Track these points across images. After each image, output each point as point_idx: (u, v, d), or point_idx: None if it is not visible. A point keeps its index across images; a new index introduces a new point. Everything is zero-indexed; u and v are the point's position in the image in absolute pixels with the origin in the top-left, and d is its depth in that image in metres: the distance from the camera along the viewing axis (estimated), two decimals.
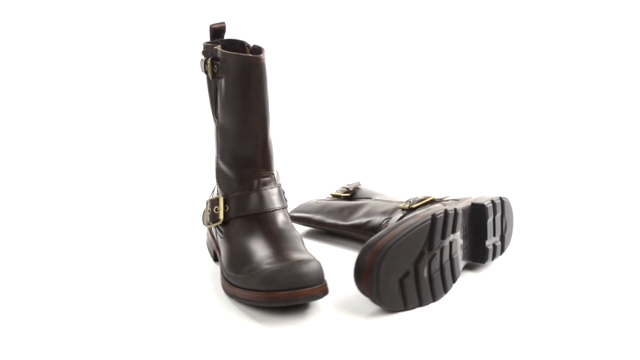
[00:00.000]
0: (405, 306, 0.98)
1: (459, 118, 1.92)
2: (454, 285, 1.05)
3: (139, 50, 1.80)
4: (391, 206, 1.17)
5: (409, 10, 1.96)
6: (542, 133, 1.86)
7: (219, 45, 1.07)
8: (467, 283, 1.07)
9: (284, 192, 1.10)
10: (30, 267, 1.17)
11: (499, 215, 1.11)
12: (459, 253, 1.05)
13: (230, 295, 1.02)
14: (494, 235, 1.11)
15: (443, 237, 1.01)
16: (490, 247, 1.10)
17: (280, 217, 1.06)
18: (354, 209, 1.22)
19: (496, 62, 1.98)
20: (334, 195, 1.29)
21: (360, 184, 1.31)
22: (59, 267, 1.17)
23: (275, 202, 1.07)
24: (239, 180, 1.07)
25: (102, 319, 0.98)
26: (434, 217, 0.99)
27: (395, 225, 0.98)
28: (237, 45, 1.09)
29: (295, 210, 1.28)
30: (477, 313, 0.98)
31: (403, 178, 1.62)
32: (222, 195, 1.08)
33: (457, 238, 1.04)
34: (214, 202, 1.08)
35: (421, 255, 0.99)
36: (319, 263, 0.99)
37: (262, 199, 1.06)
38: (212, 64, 1.06)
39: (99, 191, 1.57)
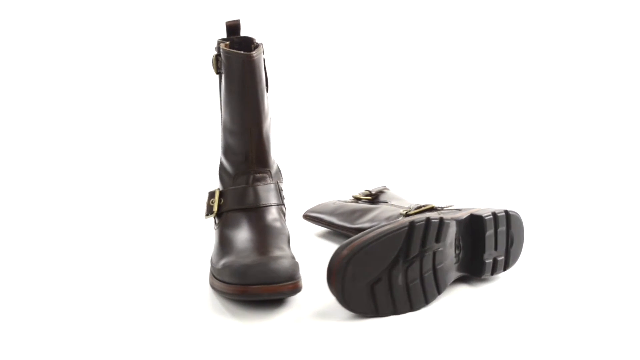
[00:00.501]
0: (377, 312, 0.96)
1: (499, 129, 1.88)
2: (441, 296, 1.02)
3: (152, 46, 1.83)
4: (397, 212, 1.15)
5: (431, 12, 1.92)
6: (579, 149, 1.78)
7: (225, 42, 1.09)
8: (456, 295, 1.03)
9: (281, 190, 1.11)
10: (31, 262, 1.21)
11: (502, 229, 1.06)
12: (445, 264, 1.01)
13: (211, 286, 1.04)
14: (496, 249, 1.06)
15: (423, 245, 0.98)
16: (489, 262, 1.05)
17: (270, 213, 1.07)
18: (364, 213, 1.21)
19: (524, 69, 1.92)
20: (355, 198, 1.28)
21: (386, 188, 1.29)
22: (59, 262, 1.21)
23: (267, 198, 1.08)
24: (234, 174, 1.09)
25: (82, 306, 1.04)
26: (412, 224, 0.97)
27: (369, 230, 0.96)
28: (248, 43, 1.11)
29: (311, 210, 1.29)
30: (454, 326, 0.94)
31: (437, 185, 1.59)
32: (220, 189, 1.10)
33: (445, 248, 1.01)
34: (211, 195, 1.11)
35: (395, 262, 0.96)
36: (292, 261, 0.99)
37: (253, 194, 1.08)
38: (217, 60, 1.09)
39: (109, 185, 1.62)
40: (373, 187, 1.31)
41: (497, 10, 1.92)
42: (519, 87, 1.92)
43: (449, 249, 1.02)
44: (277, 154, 1.41)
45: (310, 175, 1.62)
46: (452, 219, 1.02)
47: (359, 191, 1.31)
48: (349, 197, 1.30)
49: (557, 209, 1.45)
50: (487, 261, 1.05)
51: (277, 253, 1.00)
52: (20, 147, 1.75)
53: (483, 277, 1.05)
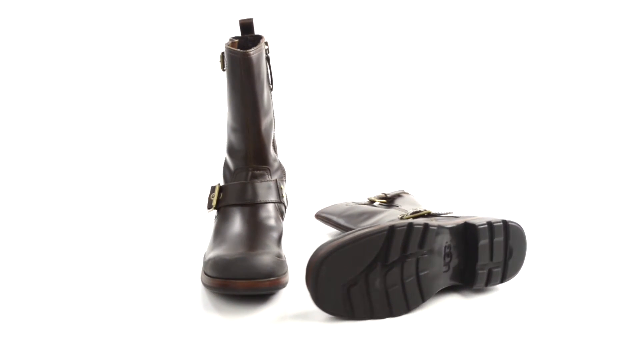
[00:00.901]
0: (353, 316, 0.95)
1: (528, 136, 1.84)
2: (426, 303, 0.99)
3: (166, 43, 1.82)
4: (399, 217, 1.13)
5: (446, 16, 1.89)
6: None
7: (234, 40, 1.11)
8: (443, 304, 1.01)
9: (281, 188, 1.12)
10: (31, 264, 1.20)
11: (499, 239, 1.03)
12: (431, 271, 0.99)
13: (200, 279, 1.06)
14: (491, 260, 1.03)
15: (404, 251, 0.96)
16: (483, 272, 1.02)
17: (265, 210, 1.08)
18: (370, 216, 1.19)
19: (546, 79, 1.88)
20: (370, 200, 1.27)
21: (404, 192, 1.28)
22: (57, 250, 1.24)
23: (264, 195, 1.09)
24: (234, 170, 1.11)
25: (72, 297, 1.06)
26: (392, 228, 0.95)
27: (350, 232, 0.95)
28: (256, 41, 1.12)
29: (322, 210, 1.29)
30: (434, 334, 0.92)
31: (462, 192, 1.56)
32: (220, 184, 1.12)
33: (431, 255, 0.98)
34: (212, 189, 1.13)
35: (373, 266, 0.95)
36: (274, 258, 1.00)
37: (250, 191, 1.09)
38: (222, 58, 1.11)
39: (122, 179, 1.65)
40: (391, 191, 1.30)
41: (514, 19, 1.90)
42: (540, 95, 1.89)
43: (436, 256, 1.00)
44: (301, 153, 1.42)
45: (334, 176, 1.63)
46: (440, 225, 0.99)
47: (375, 194, 1.30)
48: (365, 199, 1.30)
49: (578, 225, 1.39)
50: (479, 271, 1.02)
51: (261, 249, 1.01)
52: (42, 140, 1.77)
53: (475, 287, 1.02)
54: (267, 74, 1.11)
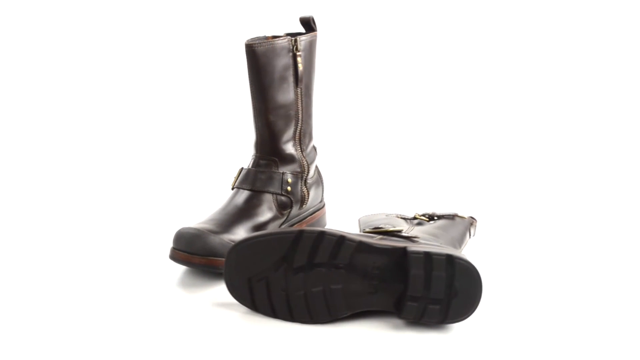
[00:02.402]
0: (256, 309, 0.97)
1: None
2: (346, 320, 0.96)
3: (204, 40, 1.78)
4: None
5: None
6: None
7: (285, 35, 1.17)
8: (357, 326, 0.96)
9: (287, 182, 1.14)
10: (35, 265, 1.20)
11: (439, 274, 0.93)
12: (348, 288, 0.95)
13: None
14: (428, 293, 0.93)
15: (312, 258, 0.94)
16: (414, 305, 0.94)
17: (258, 198, 1.13)
18: None
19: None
20: (415, 216, 1.21)
21: (458, 215, 1.19)
22: (64, 235, 1.31)
23: (260, 184, 1.14)
24: (251, 156, 1.17)
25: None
26: (300, 233, 0.95)
27: (266, 230, 0.97)
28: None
29: (363, 216, 1.25)
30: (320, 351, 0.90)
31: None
32: (243, 167, 1.19)
33: (350, 272, 0.94)
34: (237, 172, 1.20)
35: (277, 266, 0.96)
36: (225, 242, 1.05)
37: (248, 178, 1.15)
38: None
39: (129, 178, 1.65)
40: (442, 210, 1.22)
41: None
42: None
43: (358, 274, 0.95)
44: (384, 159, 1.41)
45: (414, 186, 1.54)
46: (365, 243, 0.95)
47: (425, 210, 1.24)
48: (413, 214, 1.24)
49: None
50: (409, 303, 0.94)
51: (225, 231, 1.07)
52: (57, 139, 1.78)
53: (403, 317, 0.95)
54: (293, 70, 1.14)
